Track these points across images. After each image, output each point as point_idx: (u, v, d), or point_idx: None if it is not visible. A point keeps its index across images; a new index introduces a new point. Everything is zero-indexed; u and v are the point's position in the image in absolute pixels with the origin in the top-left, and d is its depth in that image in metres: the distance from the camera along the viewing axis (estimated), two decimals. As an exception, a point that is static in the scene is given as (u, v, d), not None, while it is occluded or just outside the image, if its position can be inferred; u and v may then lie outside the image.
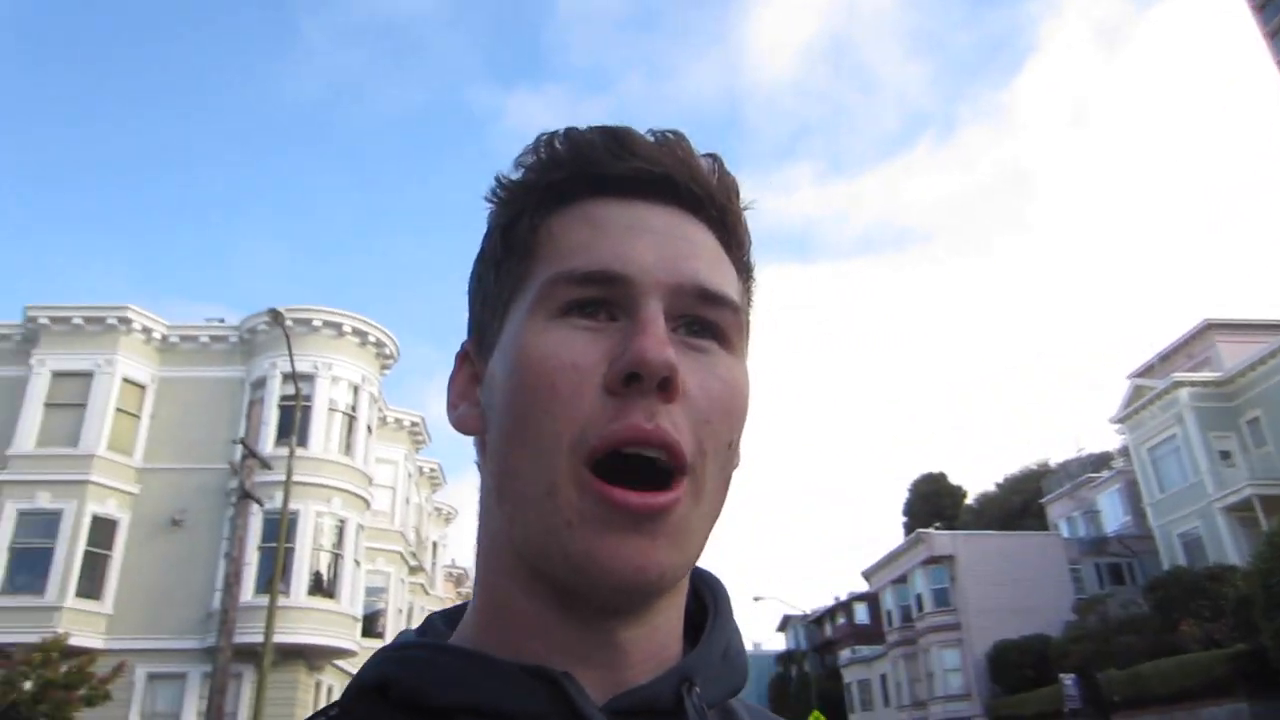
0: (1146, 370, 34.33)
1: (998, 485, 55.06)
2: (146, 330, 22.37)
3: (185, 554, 20.63)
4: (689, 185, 0.61)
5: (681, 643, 0.60)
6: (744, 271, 0.65)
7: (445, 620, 0.65)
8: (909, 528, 49.60)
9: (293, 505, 18.44)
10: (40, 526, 20.08)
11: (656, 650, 0.57)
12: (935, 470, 59.21)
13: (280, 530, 16.41)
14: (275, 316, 17.41)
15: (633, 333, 0.54)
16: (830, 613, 56.30)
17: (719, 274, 0.60)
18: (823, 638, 56.86)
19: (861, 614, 51.32)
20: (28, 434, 20.95)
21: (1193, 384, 29.62)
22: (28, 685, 13.49)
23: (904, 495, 59.04)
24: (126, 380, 21.79)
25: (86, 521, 20.23)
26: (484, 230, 0.66)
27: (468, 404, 0.64)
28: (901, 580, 39.35)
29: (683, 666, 0.57)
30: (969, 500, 56.36)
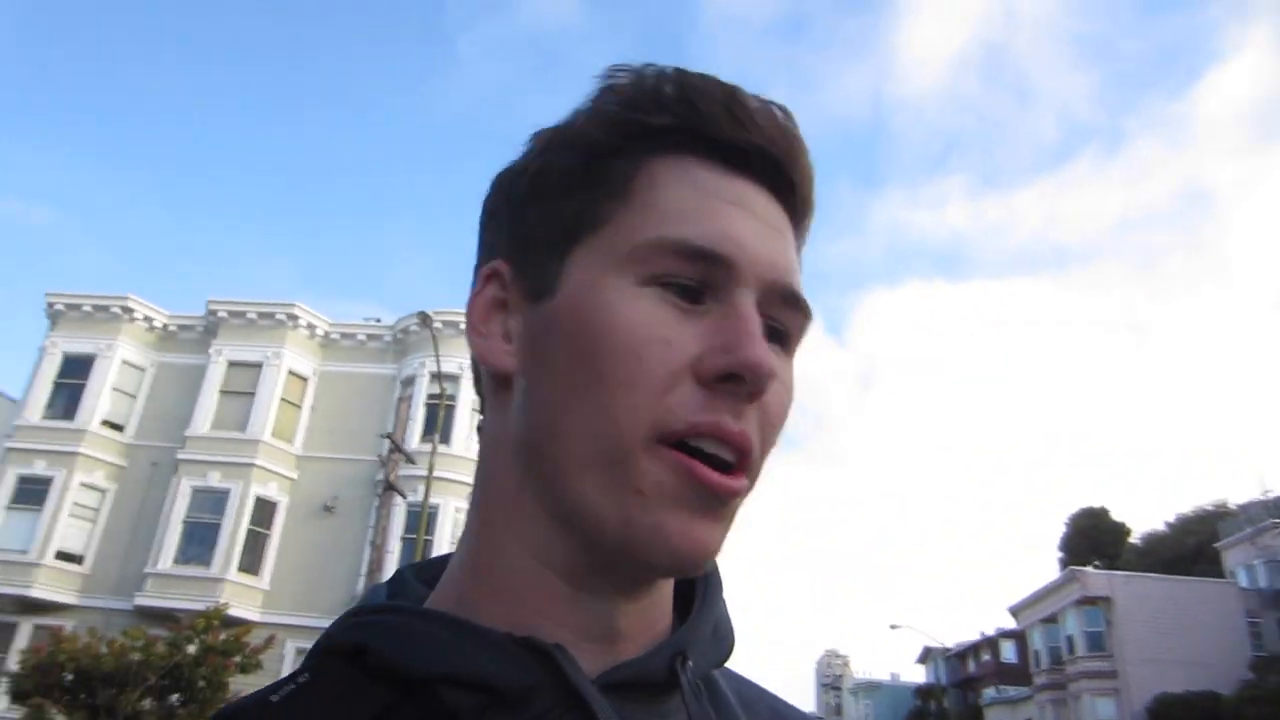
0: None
1: (1168, 525, 51.27)
2: (311, 326, 23.96)
3: (335, 539, 21.89)
4: (793, 175, 0.57)
5: (671, 616, 0.58)
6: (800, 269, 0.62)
7: (418, 575, 0.62)
8: (1065, 564, 46.83)
9: (434, 499, 19.22)
10: (210, 503, 21.81)
11: (649, 625, 0.56)
12: (1097, 505, 55.69)
13: (420, 522, 17.11)
14: (424, 319, 18.28)
15: (737, 330, 0.50)
16: (975, 648, 53.79)
17: (799, 274, 0.57)
18: (965, 673, 54.38)
19: (1009, 652, 48.76)
20: (204, 418, 22.79)
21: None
22: (191, 649, 14.54)
23: (1061, 529, 55.89)
24: (291, 372, 23.41)
25: (250, 502, 21.84)
26: (546, 143, 0.59)
27: (498, 337, 0.57)
28: (1051, 620, 37.13)
29: (676, 640, 0.55)
30: (1134, 539, 52.74)
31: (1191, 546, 44.74)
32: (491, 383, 0.58)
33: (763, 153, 0.55)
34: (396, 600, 0.57)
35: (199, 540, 21.43)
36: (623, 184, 0.54)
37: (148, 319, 24.20)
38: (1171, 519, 51.54)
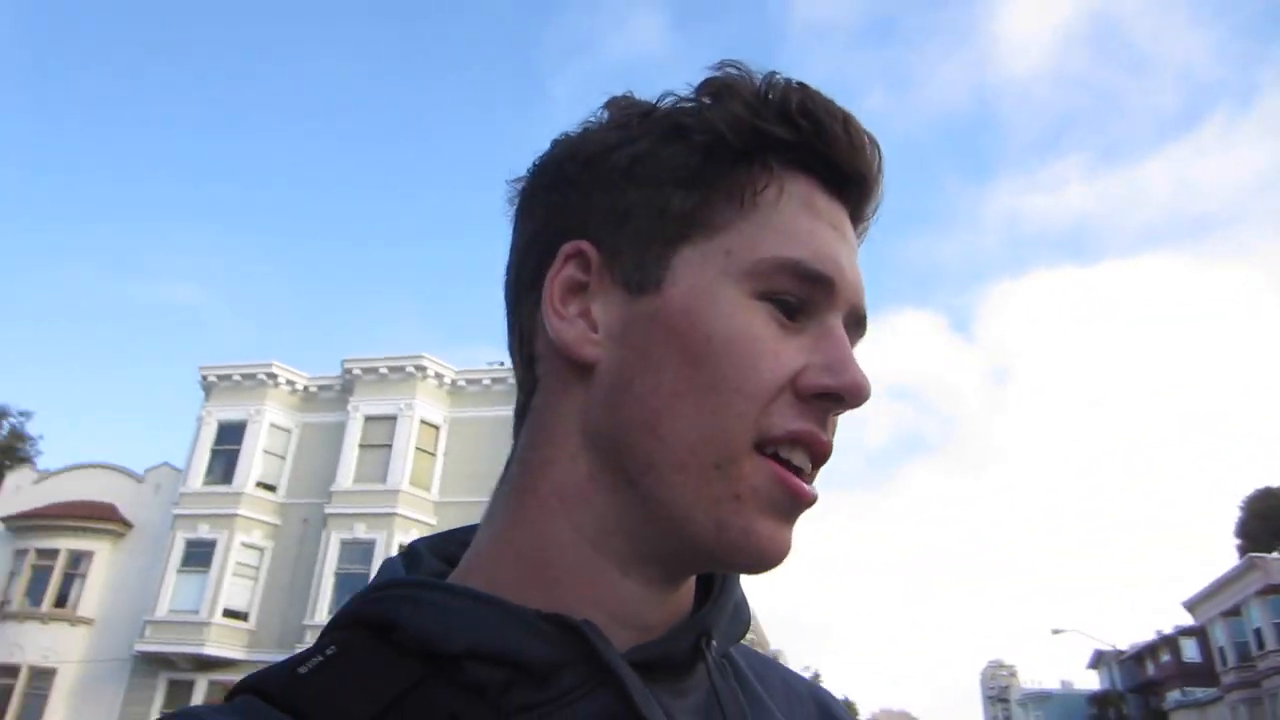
0: None
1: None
2: (438, 376, 24.84)
3: (476, 579, 22.44)
4: (874, 200, 0.60)
5: (693, 595, 0.60)
6: None
7: (433, 551, 0.61)
8: (1243, 551, 43.28)
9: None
10: (358, 554, 22.79)
11: (678, 609, 0.58)
12: (1276, 484, 51.29)
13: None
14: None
15: (837, 353, 0.54)
16: (1152, 649, 50.17)
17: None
18: (1144, 677, 50.74)
19: (1191, 650, 45.29)
20: (346, 472, 23.91)
21: None
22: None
23: (1236, 514, 51.70)
24: (424, 421, 24.29)
25: (395, 550, 22.28)
26: (651, 126, 0.57)
27: (584, 324, 0.56)
28: (1234, 613, 34.32)
29: (700, 621, 0.56)
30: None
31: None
32: (562, 366, 0.56)
33: (862, 180, 0.58)
34: (421, 577, 0.56)
35: (350, 590, 21.07)
36: (745, 192, 0.55)
37: (290, 382, 25.63)
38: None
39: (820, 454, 0.54)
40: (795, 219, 0.55)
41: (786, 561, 0.54)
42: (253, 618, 23.07)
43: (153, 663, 22.57)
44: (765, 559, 0.53)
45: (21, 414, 46.46)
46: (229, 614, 22.81)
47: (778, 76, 0.56)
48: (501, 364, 25.51)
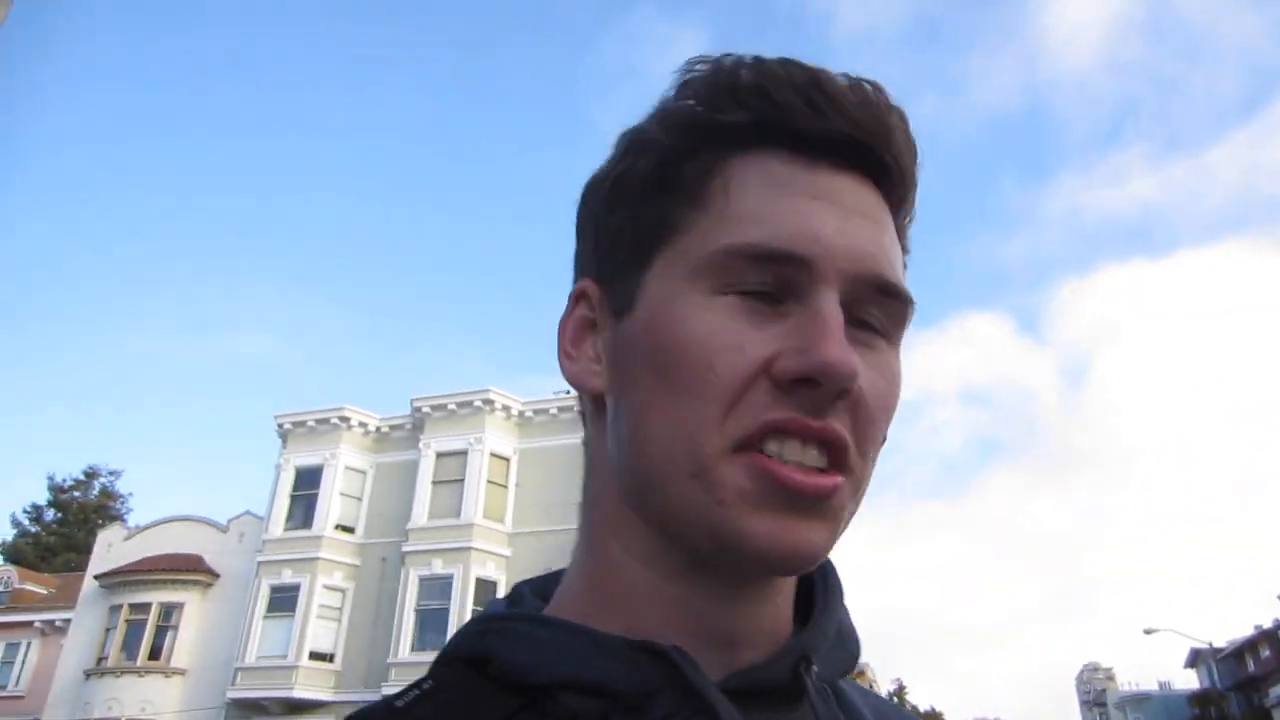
0: None
1: None
2: (506, 408, 25.11)
3: (555, 609, 22.47)
4: (884, 155, 0.54)
5: (792, 622, 0.58)
6: (908, 251, 0.59)
7: (534, 591, 0.62)
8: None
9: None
10: (436, 590, 23.06)
11: (770, 629, 0.55)
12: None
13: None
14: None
15: (813, 331, 0.49)
16: (1252, 644, 48.22)
17: (897, 260, 0.55)
18: (1245, 674, 48.77)
19: (1294, 645, 43.37)
20: (421, 509, 24.26)
21: None
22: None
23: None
24: (494, 454, 24.55)
25: (472, 584, 22.86)
26: (626, 147, 0.58)
27: (587, 359, 0.58)
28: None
29: (799, 644, 0.54)
30: None
31: None
32: (590, 404, 0.59)
33: (847, 138, 0.53)
34: (518, 610, 0.58)
35: (431, 626, 22.53)
36: (697, 189, 0.53)
37: (363, 424, 26.13)
38: None
39: (817, 439, 0.49)
40: (754, 202, 0.52)
41: (817, 556, 0.50)
42: (338, 658, 23.43)
43: (245, 708, 23.01)
44: (772, 559, 0.49)
45: (111, 473, 48.33)
46: (315, 656, 23.20)
47: (730, 58, 0.55)
48: (567, 393, 25.74)
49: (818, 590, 0.59)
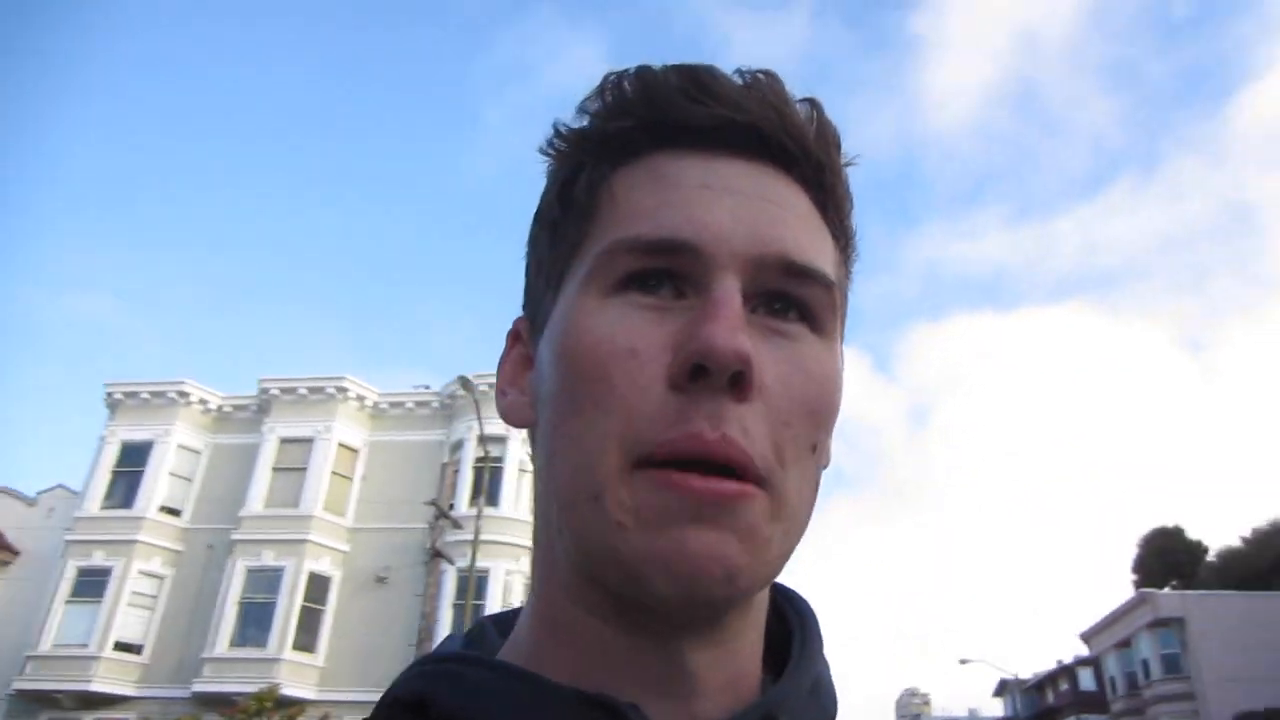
0: None
1: (1244, 540, 49.21)
2: (360, 398, 24.35)
3: (388, 610, 21.96)
4: (780, 136, 0.52)
5: (762, 672, 0.52)
6: (842, 239, 0.56)
7: (499, 626, 0.59)
8: (1139, 586, 45.19)
9: (483, 563, 19.29)
10: (265, 583, 22.08)
11: (734, 679, 0.49)
12: (1170, 524, 53.74)
13: (469, 587, 17.12)
14: (464, 383, 18.48)
15: (702, 315, 0.46)
16: (1052, 678, 51.94)
17: (811, 243, 0.51)
18: (1044, 705, 52.46)
19: (1086, 680, 47.01)
20: (258, 496, 23.20)
21: None
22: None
23: (1134, 551, 53.97)
24: (342, 445, 23.77)
25: (304, 578, 22.06)
26: (546, 176, 0.58)
27: (517, 391, 0.57)
28: (1124, 644, 35.78)
29: (766, 701, 0.49)
30: (1210, 557, 50.72)
31: (1269, 561, 42.93)
32: (529, 442, 0.57)
33: (733, 123, 0.51)
34: (470, 650, 0.54)
35: (255, 621, 21.66)
36: (589, 201, 0.53)
37: (203, 402, 24.83)
38: (1248, 534, 49.52)
39: (713, 457, 0.44)
40: (642, 199, 0.50)
41: (732, 575, 0.44)
42: (147, 651, 22.03)
43: (33, 700, 21.37)
44: (684, 577, 0.43)
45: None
46: (121, 647, 21.78)
47: (612, 73, 0.54)
48: (426, 387, 25.20)
49: (795, 638, 0.54)
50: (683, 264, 0.48)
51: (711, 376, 0.44)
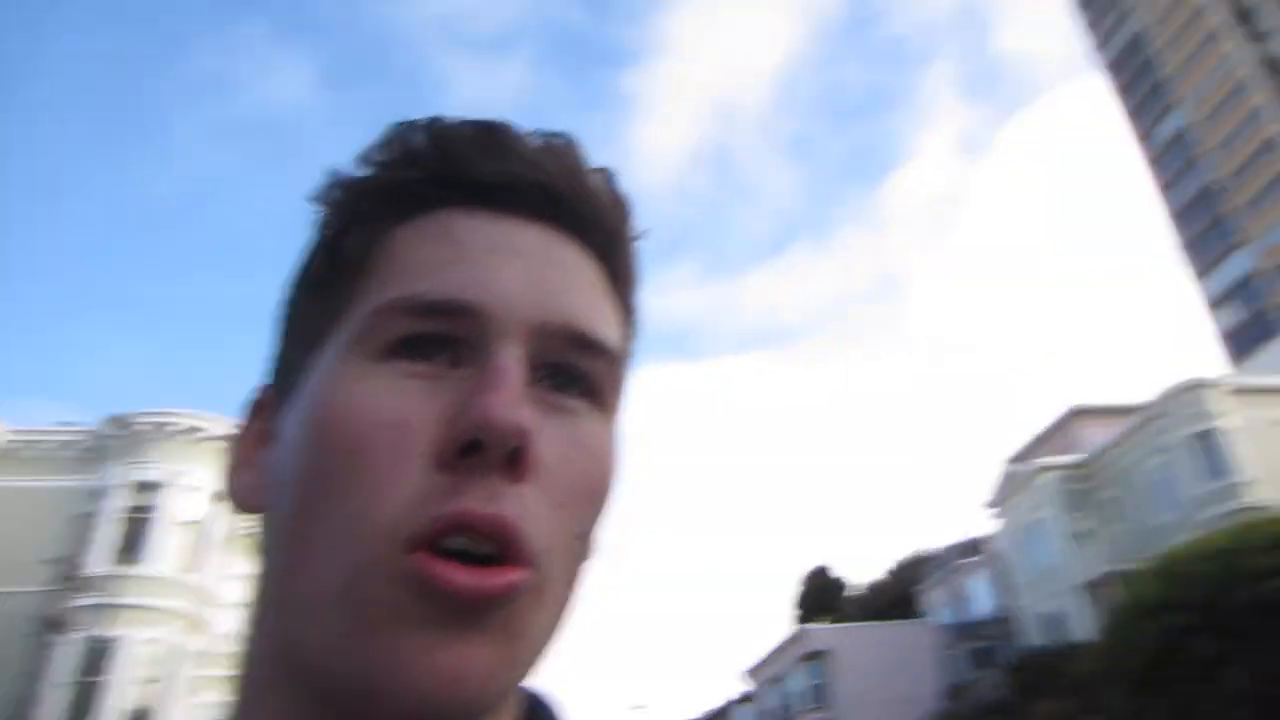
0: (1019, 456, 35.66)
1: (891, 574, 55.51)
2: (-29, 437, 21.03)
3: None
4: (574, 201, 0.48)
5: None
6: (627, 312, 0.52)
7: None
8: (801, 621, 49.49)
9: (117, 631, 17.40)
10: None
11: None
12: (823, 563, 59.72)
13: (97, 661, 15.36)
14: (117, 422, 16.71)
15: (480, 384, 0.41)
16: (713, 718, 55.04)
17: (598, 314, 0.47)
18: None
19: (745, 717, 50.39)
20: None
21: (1057, 467, 30.66)
22: None
23: (797, 589, 59.16)
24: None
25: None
26: (312, 231, 0.51)
27: (251, 471, 0.49)
28: (779, 679, 38.74)
29: None
30: (862, 590, 56.65)
31: (901, 593, 48.84)
32: (263, 528, 0.47)
33: (527, 183, 0.47)
34: None
35: None
36: (363, 256, 0.47)
37: None
38: (893, 568, 55.90)
39: (483, 531, 0.39)
40: (423, 256, 0.45)
41: (482, 690, 0.39)
42: None
43: None
44: (428, 693, 0.38)
45: None
46: None
47: (405, 122, 0.50)
48: (69, 424, 22.26)
49: None
50: (463, 328, 0.43)
51: (486, 453, 0.39)
